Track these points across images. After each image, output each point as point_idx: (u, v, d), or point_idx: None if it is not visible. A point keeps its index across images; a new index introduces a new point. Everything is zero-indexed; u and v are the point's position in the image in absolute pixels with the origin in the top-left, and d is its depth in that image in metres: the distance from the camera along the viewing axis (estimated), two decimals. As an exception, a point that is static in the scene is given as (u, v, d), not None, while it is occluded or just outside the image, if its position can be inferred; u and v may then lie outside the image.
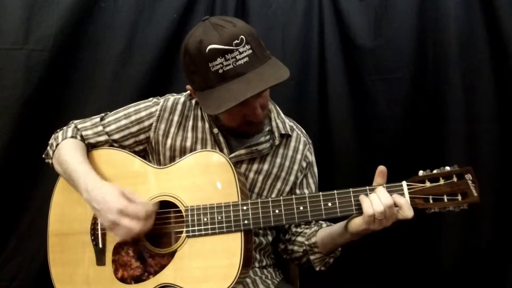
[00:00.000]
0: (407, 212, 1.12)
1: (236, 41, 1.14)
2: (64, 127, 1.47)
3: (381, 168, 1.18)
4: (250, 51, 1.16)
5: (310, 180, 1.50)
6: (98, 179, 1.27)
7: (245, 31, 1.16)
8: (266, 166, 1.41)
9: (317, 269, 1.39)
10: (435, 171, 1.15)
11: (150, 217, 1.23)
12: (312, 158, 1.51)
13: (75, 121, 1.48)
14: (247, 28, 1.19)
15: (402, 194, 1.15)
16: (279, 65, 1.21)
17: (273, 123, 1.43)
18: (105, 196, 1.20)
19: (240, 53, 1.14)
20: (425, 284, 1.94)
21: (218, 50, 1.13)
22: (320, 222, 1.43)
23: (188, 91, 1.45)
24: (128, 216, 1.17)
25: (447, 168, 1.14)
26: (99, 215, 1.22)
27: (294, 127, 1.50)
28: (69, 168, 1.32)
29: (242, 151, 1.37)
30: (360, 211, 1.15)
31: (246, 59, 1.15)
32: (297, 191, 1.47)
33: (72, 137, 1.41)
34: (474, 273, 1.89)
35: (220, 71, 1.14)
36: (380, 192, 1.14)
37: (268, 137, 1.41)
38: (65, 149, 1.38)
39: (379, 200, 1.13)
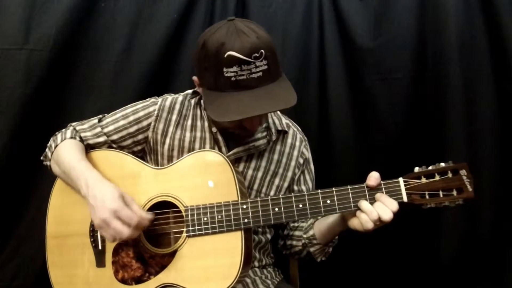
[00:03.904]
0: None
1: (256, 54, 1.15)
2: (63, 130, 1.47)
3: (375, 176, 1.18)
4: (266, 66, 1.17)
5: (307, 177, 1.51)
6: (100, 176, 1.27)
7: (266, 46, 1.17)
8: (264, 163, 1.42)
9: (318, 260, 1.41)
10: (430, 167, 1.17)
11: (142, 226, 1.22)
12: (308, 155, 1.53)
13: (73, 124, 1.48)
14: (269, 43, 1.19)
15: (399, 190, 1.16)
16: (288, 87, 1.23)
17: (270, 120, 1.45)
18: (104, 195, 1.20)
19: (256, 66, 1.16)
20: (425, 279, 1.94)
21: (237, 59, 1.14)
22: None
23: (187, 92, 1.46)
24: (120, 219, 1.17)
25: (442, 164, 1.16)
26: (92, 212, 1.21)
27: (290, 124, 1.51)
28: (68, 166, 1.31)
29: (240, 148, 1.38)
30: (358, 209, 1.17)
31: (260, 73, 1.16)
32: (295, 188, 1.48)
33: (71, 137, 1.41)
34: (473, 269, 1.89)
35: (233, 79, 1.15)
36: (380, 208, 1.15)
37: (265, 133, 1.42)
38: (64, 149, 1.38)
39: (376, 215, 1.14)
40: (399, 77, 1.96)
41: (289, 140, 1.47)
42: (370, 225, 1.14)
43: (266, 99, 1.16)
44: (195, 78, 1.31)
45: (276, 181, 1.44)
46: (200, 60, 1.23)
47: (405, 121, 1.97)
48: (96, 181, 1.25)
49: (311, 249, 1.39)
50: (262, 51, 1.16)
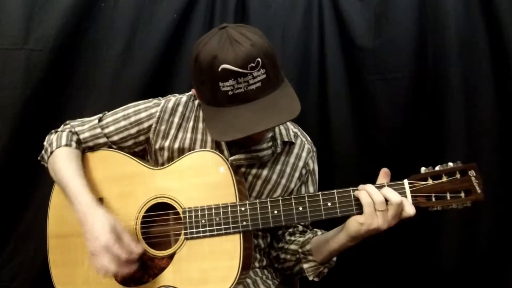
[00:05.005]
0: (410, 209, 1.10)
1: (252, 64, 1.09)
2: (59, 130, 1.45)
3: (385, 170, 1.16)
4: (264, 75, 1.11)
5: (311, 189, 1.46)
6: (90, 201, 1.23)
7: (262, 53, 1.11)
8: (265, 172, 1.37)
9: (311, 278, 1.33)
10: (437, 168, 1.12)
11: (132, 262, 1.19)
12: (313, 166, 1.46)
13: (72, 122, 1.45)
14: (265, 48, 1.13)
15: (404, 193, 1.12)
16: (291, 94, 1.17)
17: (277, 130, 1.39)
18: (94, 225, 1.18)
19: (254, 77, 1.10)
20: (425, 284, 1.94)
21: (232, 72, 1.09)
22: (315, 230, 1.41)
23: (191, 92, 1.43)
24: (110, 255, 1.15)
25: (450, 164, 1.11)
26: (85, 239, 1.19)
27: (299, 133, 1.45)
28: (62, 181, 1.30)
29: (242, 156, 1.33)
30: (360, 211, 1.12)
31: (258, 84, 1.11)
32: None
33: (66, 145, 1.38)
34: (475, 273, 1.89)
35: (230, 93, 1.11)
36: (386, 190, 1.11)
37: (270, 143, 1.37)
38: (59, 159, 1.35)
39: (376, 190, 1.10)
40: (399, 77, 1.96)
41: (295, 151, 1.42)
42: (369, 200, 1.09)
43: (268, 112, 1.11)
44: (194, 91, 1.27)
45: (278, 191, 1.39)
46: (195, 73, 1.18)
47: (405, 121, 1.97)
48: (87, 208, 1.22)
49: (305, 266, 1.31)
50: (259, 59, 1.10)
